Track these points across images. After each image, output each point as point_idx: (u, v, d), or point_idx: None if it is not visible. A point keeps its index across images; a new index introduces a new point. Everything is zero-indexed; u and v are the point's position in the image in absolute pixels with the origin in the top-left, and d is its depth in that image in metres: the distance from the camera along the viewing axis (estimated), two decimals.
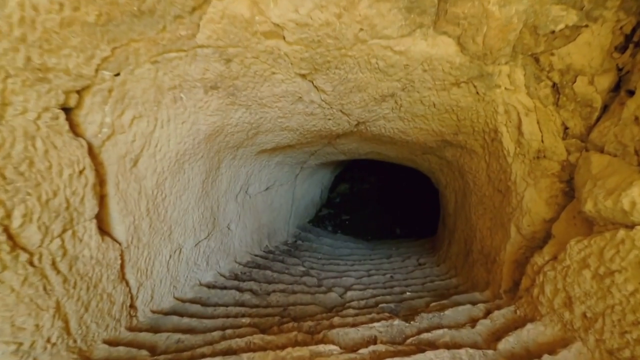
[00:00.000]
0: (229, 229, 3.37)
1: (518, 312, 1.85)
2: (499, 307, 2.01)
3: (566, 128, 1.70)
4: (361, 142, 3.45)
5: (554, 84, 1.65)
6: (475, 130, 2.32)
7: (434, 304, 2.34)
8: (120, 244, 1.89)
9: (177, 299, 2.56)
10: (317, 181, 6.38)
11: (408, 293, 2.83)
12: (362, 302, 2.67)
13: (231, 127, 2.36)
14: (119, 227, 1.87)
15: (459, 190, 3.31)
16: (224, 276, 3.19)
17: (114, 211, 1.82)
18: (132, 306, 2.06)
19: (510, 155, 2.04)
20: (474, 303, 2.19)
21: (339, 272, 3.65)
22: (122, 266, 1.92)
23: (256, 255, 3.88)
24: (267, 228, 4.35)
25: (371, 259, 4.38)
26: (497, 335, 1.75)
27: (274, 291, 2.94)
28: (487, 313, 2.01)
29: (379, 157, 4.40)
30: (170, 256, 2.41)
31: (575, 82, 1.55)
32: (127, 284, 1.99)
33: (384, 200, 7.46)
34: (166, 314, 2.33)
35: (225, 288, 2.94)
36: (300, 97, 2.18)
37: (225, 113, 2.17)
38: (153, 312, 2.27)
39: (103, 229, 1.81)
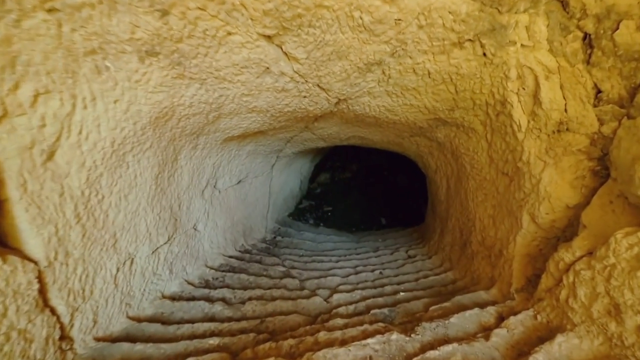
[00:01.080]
0: (195, 229, 2.94)
1: (539, 317, 1.55)
2: (513, 311, 1.71)
3: (599, 92, 1.37)
4: (342, 124, 3.06)
5: (586, 36, 1.31)
6: (476, 104, 1.97)
7: (434, 307, 2.02)
8: (36, 262, 1.44)
9: (131, 318, 2.13)
10: (296, 171, 5.97)
11: (402, 293, 2.51)
12: (351, 308, 2.34)
13: (184, 108, 1.92)
14: (32, 242, 1.42)
15: (452, 174, 3.00)
16: (192, 284, 2.77)
17: (21, 221, 1.36)
18: (64, 338, 1.62)
19: (521, 131, 1.71)
20: (481, 305, 1.88)
21: (323, 271, 3.30)
22: (42, 291, 1.47)
23: (230, 257, 3.46)
24: (242, 225, 3.92)
25: (357, 253, 4.05)
26: (518, 350, 1.44)
27: (249, 299, 2.57)
28: (500, 318, 1.70)
29: (361, 143, 4.03)
30: (117, 269, 1.97)
31: (617, 29, 1.21)
32: (53, 311, 1.55)
33: (367, 189, 7.14)
34: (115, 340, 1.91)
35: (193, 299, 2.54)
36: (268, 68, 1.76)
37: (173, 89, 1.72)
38: (98, 339, 1.84)
39: (8, 246, 1.36)
